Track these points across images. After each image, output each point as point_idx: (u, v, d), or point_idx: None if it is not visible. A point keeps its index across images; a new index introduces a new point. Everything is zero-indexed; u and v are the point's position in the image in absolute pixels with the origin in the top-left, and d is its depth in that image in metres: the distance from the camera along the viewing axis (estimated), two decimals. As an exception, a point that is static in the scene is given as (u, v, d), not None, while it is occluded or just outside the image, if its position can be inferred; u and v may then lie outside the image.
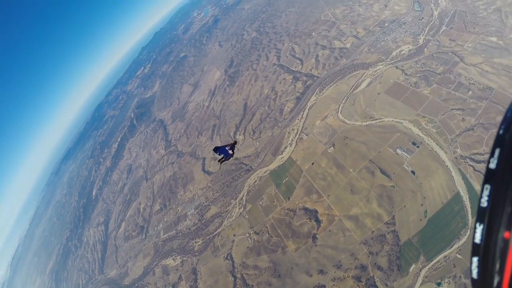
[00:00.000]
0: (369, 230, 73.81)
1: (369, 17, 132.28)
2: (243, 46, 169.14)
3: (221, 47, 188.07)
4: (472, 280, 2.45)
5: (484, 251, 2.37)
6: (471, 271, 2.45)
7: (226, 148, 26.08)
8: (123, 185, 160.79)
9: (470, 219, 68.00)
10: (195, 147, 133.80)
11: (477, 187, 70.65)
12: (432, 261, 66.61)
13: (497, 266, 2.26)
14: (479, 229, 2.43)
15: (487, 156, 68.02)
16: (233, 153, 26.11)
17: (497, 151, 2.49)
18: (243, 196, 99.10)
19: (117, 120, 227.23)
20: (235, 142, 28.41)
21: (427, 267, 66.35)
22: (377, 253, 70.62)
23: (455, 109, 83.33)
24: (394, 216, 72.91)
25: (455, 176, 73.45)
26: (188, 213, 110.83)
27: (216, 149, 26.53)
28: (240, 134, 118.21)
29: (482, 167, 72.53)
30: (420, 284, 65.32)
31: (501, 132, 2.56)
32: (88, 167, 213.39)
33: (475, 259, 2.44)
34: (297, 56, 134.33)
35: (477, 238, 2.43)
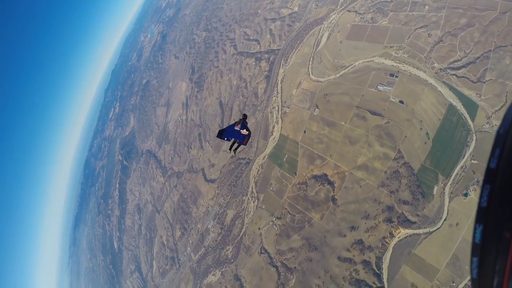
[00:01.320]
0: (381, 171, 74.00)
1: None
2: (198, 49, 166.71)
3: (178, 58, 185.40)
4: (472, 280, 2.44)
5: (484, 251, 2.36)
6: (471, 271, 2.43)
7: (235, 128, 19.39)
8: (139, 226, 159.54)
9: (471, 124, 68.47)
10: (189, 162, 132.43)
11: (466, 92, 71.74)
12: (451, 176, 66.96)
13: (497, 266, 2.25)
14: (479, 229, 2.42)
15: (465, 60, 66.84)
16: (249, 132, 19.43)
17: (497, 151, 2.45)
18: (252, 189, 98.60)
19: (108, 169, 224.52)
20: (245, 116, 21.15)
21: (449, 184, 66.70)
22: (397, 190, 71.01)
23: (418, 28, 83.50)
24: (399, 149, 73.09)
25: (442, 89, 74.00)
26: (209, 226, 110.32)
27: (221, 134, 19.83)
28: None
29: (464, 72, 73.24)
30: (449, 202, 65.78)
31: (501, 131, 2.52)
32: (100, 224, 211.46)
33: (475, 259, 2.42)
34: (251, 38, 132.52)
35: (477, 238, 2.42)
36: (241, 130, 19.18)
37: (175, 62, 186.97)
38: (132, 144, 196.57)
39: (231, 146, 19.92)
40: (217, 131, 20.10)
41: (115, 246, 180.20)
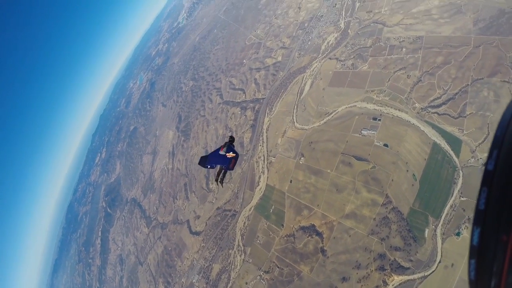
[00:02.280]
0: (370, 219, 72.71)
1: (289, 24, 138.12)
2: (185, 98, 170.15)
3: (165, 107, 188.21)
4: (470, 281, 2.46)
5: (481, 253, 2.38)
6: (469, 273, 2.47)
7: (220, 152, 17.12)
8: (120, 278, 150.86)
9: (457, 160, 68.92)
10: (175, 213, 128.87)
11: (449, 128, 72.99)
12: (441, 217, 66.25)
13: (494, 268, 2.27)
14: (476, 231, 2.45)
15: (444, 97, 70.18)
16: (237, 154, 17.23)
17: (494, 153, 2.50)
18: (238, 242, 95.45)
19: (91, 215, 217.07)
20: (232, 139, 18.82)
21: (440, 225, 65.80)
22: (388, 236, 69.46)
23: (397, 70, 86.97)
24: (387, 194, 72.47)
25: (425, 128, 75.41)
26: (194, 280, 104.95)
27: (204, 161, 17.47)
28: (212, 183, 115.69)
29: (444, 109, 75.19)
30: (442, 243, 64.42)
31: (498, 133, 2.57)
32: (80, 272, 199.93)
33: (472, 262, 2.46)
34: (237, 87, 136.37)
35: (474, 241, 2.45)
36: (226, 154, 17.04)
37: (162, 110, 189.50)
38: (117, 192, 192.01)
39: (218, 176, 17.83)
40: (201, 159, 18.12)
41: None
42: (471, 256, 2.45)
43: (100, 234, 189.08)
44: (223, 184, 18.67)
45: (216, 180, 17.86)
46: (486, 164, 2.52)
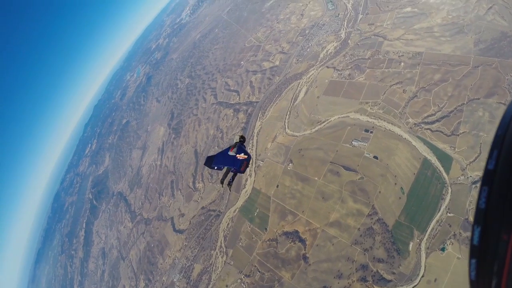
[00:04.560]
0: (355, 228, 72.42)
1: (290, 30, 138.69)
2: (180, 95, 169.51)
3: (159, 102, 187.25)
4: (470, 281, 2.45)
5: (482, 253, 2.37)
6: (469, 272, 2.45)
7: (229, 153, 15.58)
8: (102, 272, 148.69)
9: (446, 177, 69.07)
10: (159, 209, 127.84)
11: (441, 145, 73.25)
12: (427, 231, 66.11)
13: (495, 268, 2.26)
14: (477, 230, 2.43)
15: (439, 114, 70.99)
16: (249, 156, 15.55)
17: (495, 152, 2.47)
18: (221, 243, 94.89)
19: (77, 206, 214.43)
20: (243, 139, 17.17)
21: (425, 239, 65.64)
22: (372, 247, 69.14)
23: (394, 84, 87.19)
24: (373, 205, 72.29)
25: (416, 144, 75.52)
26: (175, 279, 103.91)
27: (210, 162, 15.99)
28: (199, 182, 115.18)
29: (438, 126, 75.41)
30: (426, 258, 64.35)
31: (499, 132, 2.54)
32: (62, 264, 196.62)
33: (473, 261, 2.44)
34: (232, 89, 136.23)
35: (475, 240, 2.43)
36: (237, 155, 15.36)
37: (156, 106, 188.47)
38: (104, 184, 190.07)
39: (223, 178, 15.80)
40: (207, 159, 16.62)
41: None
42: (471, 255, 2.44)
43: (84, 226, 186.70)
44: (230, 188, 16.64)
45: (222, 182, 15.88)
46: (486, 164, 2.49)
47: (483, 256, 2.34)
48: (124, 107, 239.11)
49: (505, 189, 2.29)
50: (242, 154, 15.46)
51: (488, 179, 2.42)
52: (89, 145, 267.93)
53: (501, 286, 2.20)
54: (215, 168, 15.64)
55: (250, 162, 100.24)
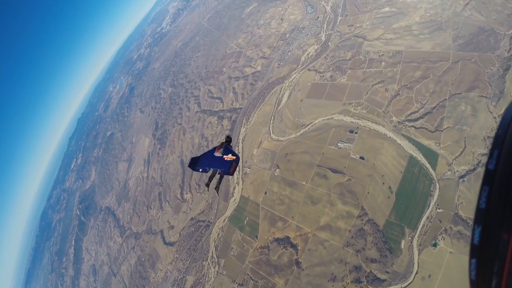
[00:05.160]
0: (346, 231, 72.35)
1: (270, 35, 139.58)
2: (163, 105, 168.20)
3: (143, 113, 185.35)
4: (471, 281, 2.47)
5: (482, 253, 2.39)
6: (469, 272, 2.47)
7: (216, 154, 14.82)
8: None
9: (433, 173, 69.76)
10: (148, 222, 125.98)
11: (425, 142, 74.09)
12: (417, 228, 66.45)
13: (495, 267, 2.28)
14: (477, 230, 2.45)
15: (422, 111, 71.79)
16: (237, 157, 14.77)
17: (495, 152, 2.49)
18: (212, 253, 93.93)
19: (65, 223, 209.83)
20: (229, 139, 16.57)
21: (416, 236, 65.97)
22: (364, 248, 69.20)
23: (376, 83, 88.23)
24: (362, 206, 72.47)
25: (402, 142, 76.13)
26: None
27: (195, 164, 15.14)
28: (187, 193, 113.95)
29: (421, 122, 76.32)
30: (418, 254, 64.59)
31: (499, 132, 2.56)
32: (53, 283, 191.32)
33: (473, 261, 2.46)
34: (215, 96, 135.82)
35: (475, 240, 2.45)
36: (224, 156, 14.59)
37: (140, 116, 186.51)
38: (91, 199, 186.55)
39: (209, 181, 15.09)
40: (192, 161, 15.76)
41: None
42: (472, 255, 2.43)
43: (73, 243, 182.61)
44: (219, 191, 15.78)
45: (208, 186, 15.14)
46: (487, 164, 2.49)
47: (484, 256, 2.34)
48: (108, 119, 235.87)
49: (505, 189, 2.30)
50: (230, 155, 14.74)
51: (488, 179, 2.43)
52: (75, 160, 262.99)
53: (501, 286, 2.20)
54: (200, 170, 14.84)
55: (238, 165, 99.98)
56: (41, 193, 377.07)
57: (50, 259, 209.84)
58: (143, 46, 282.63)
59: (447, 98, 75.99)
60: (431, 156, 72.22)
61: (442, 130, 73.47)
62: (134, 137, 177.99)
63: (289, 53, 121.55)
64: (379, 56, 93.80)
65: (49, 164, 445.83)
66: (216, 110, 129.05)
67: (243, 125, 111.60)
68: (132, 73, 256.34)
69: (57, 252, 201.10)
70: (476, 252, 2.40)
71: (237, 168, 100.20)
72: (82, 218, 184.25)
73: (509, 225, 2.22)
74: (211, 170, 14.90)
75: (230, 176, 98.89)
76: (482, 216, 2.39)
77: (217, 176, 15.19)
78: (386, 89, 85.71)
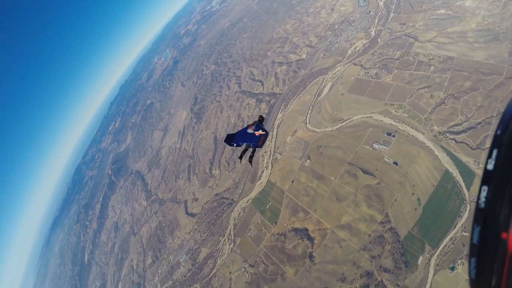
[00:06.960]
0: (365, 234, 70.78)
1: (319, 24, 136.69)
2: (204, 81, 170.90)
3: (184, 86, 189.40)
4: (471, 280, 2.49)
5: (482, 252, 2.41)
6: (469, 271, 2.49)
7: (248, 130, 16.12)
8: (113, 244, 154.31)
9: (467, 193, 65.88)
10: (175, 191, 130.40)
11: (464, 159, 69.60)
12: (438, 247, 63.71)
13: (495, 266, 2.31)
14: (477, 230, 2.46)
15: (466, 125, 67.00)
16: (267, 132, 16.11)
17: (494, 152, 2.51)
18: (230, 231, 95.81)
19: (96, 180, 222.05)
20: (262, 118, 17.86)
21: (435, 255, 63.28)
22: (380, 256, 67.42)
23: (421, 88, 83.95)
24: (387, 213, 70.32)
25: (439, 154, 72.34)
26: (181, 260, 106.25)
27: (230, 139, 16.28)
28: (215, 169, 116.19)
29: (463, 137, 71.74)
30: (433, 274, 61.97)
31: (498, 132, 2.59)
32: (76, 232, 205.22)
33: (473, 260, 2.48)
34: (256, 78, 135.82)
35: (475, 239, 2.46)
36: (255, 132, 16.01)
37: (180, 90, 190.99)
38: (124, 162, 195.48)
39: (242, 154, 16.65)
40: (227, 138, 16.70)
41: (86, 258, 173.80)
42: (471, 254, 2.44)
43: (101, 200, 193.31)
44: (252, 163, 17.09)
45: (241, 158, 16.78)
46: (486, 163, 2.49)
47: (483, 255, 2.36)
48: (150, 89, 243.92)
49: (504, 189, 2.32)
50: (260, 130, 15.95)
51: (487, 178, 2.44)
52: (113, 123, 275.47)
53: (501, 285, 2.24)
54: (234, 145, 16.07)
55: (269, 154, 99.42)
56: (78, 150, 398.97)
57: (77, 210, 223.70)
58: (191, 23, 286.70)
59: (495, 115, 70.70)
60: (468, 174, 67.65)
61: (483, 149, 68.64)
62: (172, 109, 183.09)
63: (336, 45, 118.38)
64: (429, 59, 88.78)
65: (89, 125, 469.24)
66: (255, 92, 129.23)
67: (280, 111, 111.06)
68: (177, 47, 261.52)
69: (85, 206, 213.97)
70: (476, 251, 2.40)
71: (269, 153, 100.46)
72: (113, 178, 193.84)
73: (508, 224, 2.24)
74: (244, 144, 16.14)
75: (260, 160, 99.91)
76: (481, 215, 2.40)
77: (250, 150, 16.58)
78: (431, 95, 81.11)
